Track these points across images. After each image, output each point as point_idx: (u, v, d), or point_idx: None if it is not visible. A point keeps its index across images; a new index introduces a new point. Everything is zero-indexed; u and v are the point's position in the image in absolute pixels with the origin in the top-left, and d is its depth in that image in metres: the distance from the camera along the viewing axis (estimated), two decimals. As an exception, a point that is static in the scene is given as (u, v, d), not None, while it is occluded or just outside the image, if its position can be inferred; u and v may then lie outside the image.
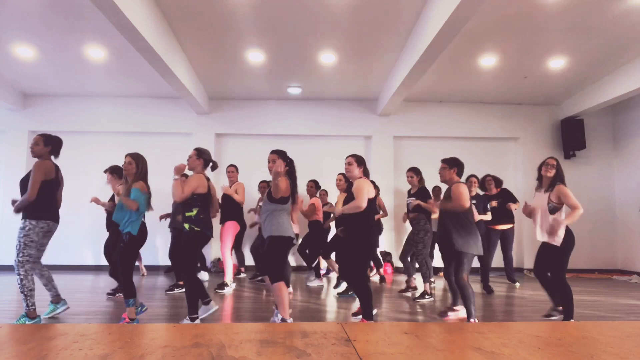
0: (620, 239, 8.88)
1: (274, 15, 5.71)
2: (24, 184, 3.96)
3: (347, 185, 5.79)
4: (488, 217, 6.00)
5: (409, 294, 5.72)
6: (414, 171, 5.51)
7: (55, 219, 4.04)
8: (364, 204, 3.72)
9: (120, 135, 8.85)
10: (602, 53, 6.74)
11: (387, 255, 8.35)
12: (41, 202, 3.89)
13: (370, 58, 7.01)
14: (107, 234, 5.32)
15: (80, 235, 8.48)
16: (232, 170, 6.46)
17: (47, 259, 8.50)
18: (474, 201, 5.87)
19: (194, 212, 3.89)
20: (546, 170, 4.06)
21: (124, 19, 4.66)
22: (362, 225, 3.76)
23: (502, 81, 7.93)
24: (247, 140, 9.01)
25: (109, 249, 5.12)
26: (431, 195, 5.62)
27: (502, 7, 5.41)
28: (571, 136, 8.82)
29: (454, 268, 4.10)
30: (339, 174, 6.01)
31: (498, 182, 6.69)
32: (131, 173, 4.01)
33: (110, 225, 5.16)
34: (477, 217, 5.70)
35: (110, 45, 6.48)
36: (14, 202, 4.05)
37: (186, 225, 3.89)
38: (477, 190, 6.19)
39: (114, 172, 5.16)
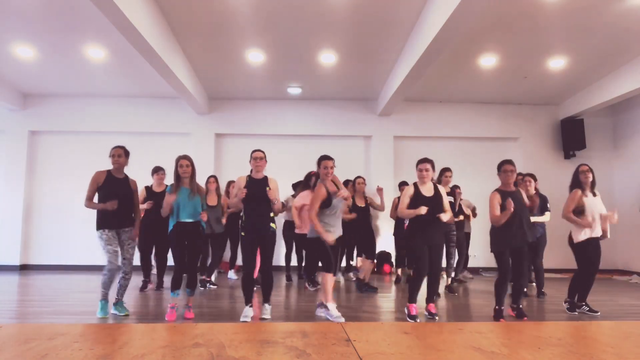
0: (620, 239, 8.86)
1: (274, 15, 5.70)
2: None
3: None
4: (546, 217, 5.56)
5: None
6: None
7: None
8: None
9: (120, 135, 8.81)
10: (602, 53, 6.73)
11: (387, 256, 8.33)
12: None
13: (370, 58, 7.01)
14: None
15: (81, 236, 8.46)
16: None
17: (49, 259, 8.52)
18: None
19: None
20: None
21: (124, 19, 4.66)
22: None
23: (502, 81, 7.92)
24: (247, 141, 8.99)
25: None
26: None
27: (502, 7, 5.41)
28: (571, 136, 8.82)
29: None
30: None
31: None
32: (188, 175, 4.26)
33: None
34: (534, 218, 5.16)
35: (110, 45, 6.48)
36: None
37: (273, 225, 4.24)
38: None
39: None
